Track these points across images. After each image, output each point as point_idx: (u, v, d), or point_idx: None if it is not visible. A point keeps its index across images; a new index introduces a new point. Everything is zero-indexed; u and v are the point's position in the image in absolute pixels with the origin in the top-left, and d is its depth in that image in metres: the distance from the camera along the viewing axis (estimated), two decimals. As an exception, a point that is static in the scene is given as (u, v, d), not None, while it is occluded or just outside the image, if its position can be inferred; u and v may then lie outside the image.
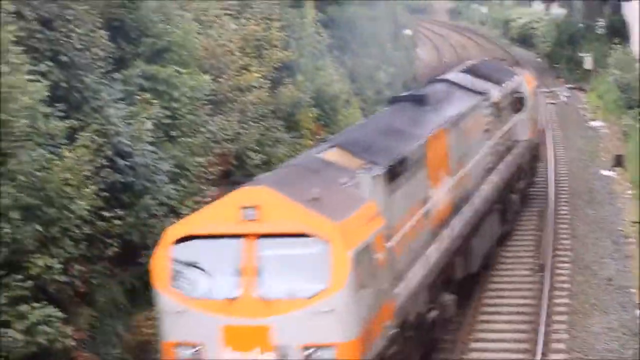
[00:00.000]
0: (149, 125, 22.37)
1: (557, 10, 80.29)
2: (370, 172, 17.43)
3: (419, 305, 19.00)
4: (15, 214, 16.96)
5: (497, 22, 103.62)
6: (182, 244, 15.53)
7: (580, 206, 33.88)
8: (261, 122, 30.04)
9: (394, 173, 18.19)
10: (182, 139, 24.52)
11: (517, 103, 31.56)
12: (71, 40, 21.19)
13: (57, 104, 19.46)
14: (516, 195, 31.29)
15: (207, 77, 26.84)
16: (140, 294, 21.21)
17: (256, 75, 30.53)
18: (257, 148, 28.87)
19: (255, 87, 30.23)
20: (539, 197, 35.46)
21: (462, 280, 23.48)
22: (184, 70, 25.75)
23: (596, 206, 33.79)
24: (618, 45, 54.22)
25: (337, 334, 14.79)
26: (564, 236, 30.32)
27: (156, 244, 16.10)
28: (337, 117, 39.26)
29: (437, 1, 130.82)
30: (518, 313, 24.31)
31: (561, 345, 22.01)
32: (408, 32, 76.12)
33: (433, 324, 20.12)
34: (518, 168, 31.32)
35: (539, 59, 76.66)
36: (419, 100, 23.54)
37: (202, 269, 15.45)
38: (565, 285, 25.90)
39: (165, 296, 15.47)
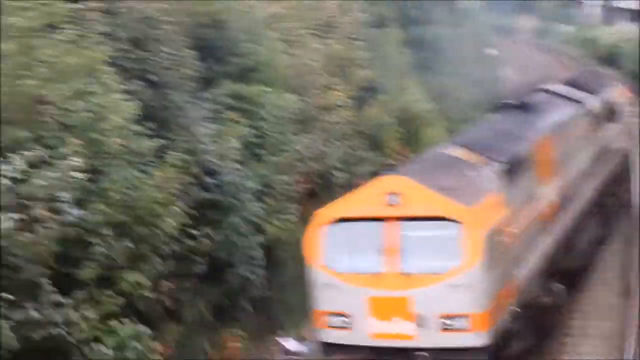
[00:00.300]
0: (235, 143, 22.61)
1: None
2: (492, 167, 19.16)
3: (533, 289, 20.34)
4: (106, 231, 17.26)
5: (584, 42, 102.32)
6: (332, 225, 17.44)
7: (668, 228, 33.26)
8: (345, 141, 30.15)
9: (510, 169, 19.66)
10: (268, 157, 24.72)
11: (612, 113, 31.90)
12: (160, 60, 21.51)
13: (146, 123, 19.73)
14: (613, 200, 31.64)
15: (292, 96, 27.02)
16: (226, 310, 21.41)
17: (340, 94, 30.67)
18: (342, 167, 28.99)
19: (339, 106, 30.36)
20: (625, 218, 34.90)
21: (567, 274, 24.29)
22: (270, 89, 25.96)
23: (684, 228, 33.12)
24: None
25: (471, 306, 16.65)
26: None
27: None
28: (421, 137, 39.17)
29: (522, 21, 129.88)
30: (604, 337, 23.99)
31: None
32: (493, 51, 75.71)
33: (546, 310, 21.30)
34: (614, 174, 31.66)
35: (625, 79, 75.52)
36: (525, 107, 24.76)
37: (351, 247, 17.34)
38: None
39: (317, 270, 17.41)
